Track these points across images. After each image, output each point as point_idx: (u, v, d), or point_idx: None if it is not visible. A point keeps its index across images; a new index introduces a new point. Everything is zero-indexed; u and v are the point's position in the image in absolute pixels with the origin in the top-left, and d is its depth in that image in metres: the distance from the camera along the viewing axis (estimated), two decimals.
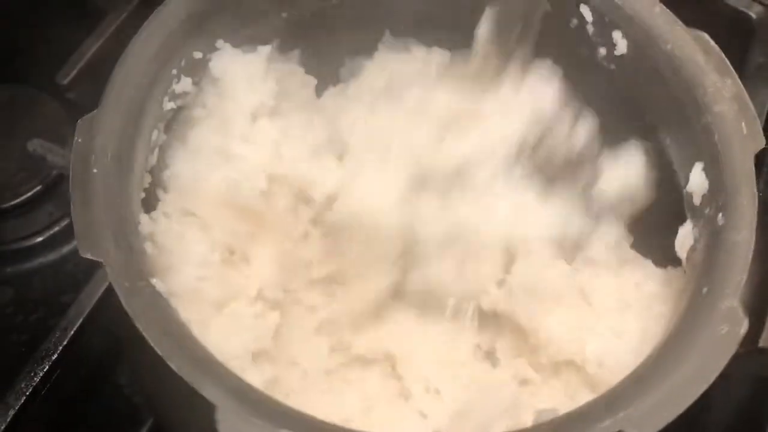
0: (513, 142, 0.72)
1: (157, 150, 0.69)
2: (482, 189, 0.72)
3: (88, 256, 0.55)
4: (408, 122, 0.73)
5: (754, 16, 0.84)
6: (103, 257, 0.55)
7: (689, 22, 0.68)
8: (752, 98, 0.64)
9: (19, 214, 0.88)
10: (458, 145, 0.72)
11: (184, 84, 0.70)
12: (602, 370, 0.67)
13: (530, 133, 0.72)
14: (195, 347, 0.53)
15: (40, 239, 0.88)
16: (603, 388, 0.64)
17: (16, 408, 0.69)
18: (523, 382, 0.70)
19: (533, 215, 0.72)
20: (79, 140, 0.60)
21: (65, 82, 0.88)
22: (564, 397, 0.69)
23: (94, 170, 0.59)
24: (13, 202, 0.87)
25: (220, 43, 0.73)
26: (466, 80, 0.74)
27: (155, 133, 0.68)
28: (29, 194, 0.88)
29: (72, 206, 0.57)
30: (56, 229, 0.89)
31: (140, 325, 0.53)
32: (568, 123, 0.73)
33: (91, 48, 0.89)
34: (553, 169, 0.73)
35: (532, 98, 0.74)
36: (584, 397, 0.66)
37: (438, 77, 0.75)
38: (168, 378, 0.52)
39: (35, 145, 0.82)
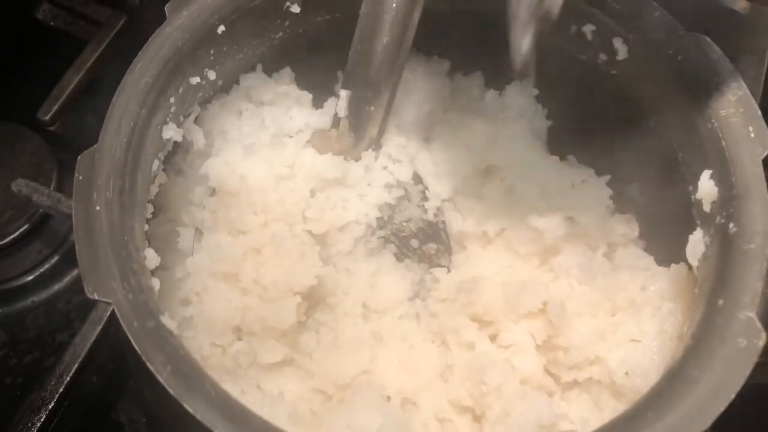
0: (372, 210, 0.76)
1: (157, 180, 0.69)
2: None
3: (95, 297, 0.55)
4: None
5: (740, 10, 0.83)
6: (110, 298, 0.54)
7: (677, 16, 0.67)
8: None
9: (7, 254, 0.86)
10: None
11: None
12: (627, 377, 0.66)
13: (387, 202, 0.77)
14: (209, 386, 0.52)
15: (30, 278, 0.87)
16: (628, 395, 0.64)
17: None
18: (551, 394, 0.69)
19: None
20: (80, 177, 0.59)
21: (47, 117, 0.87)
22: (593, 407, 0.68)
23: (97, 208, 0.58)
24: (0, 243, 0.85)
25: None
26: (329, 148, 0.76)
27: (156, 164, 0.67)
28: (16, 234, 0.85)
29: (77, 247, 0.56)
30: (46, 266, 0.87)
31: (152, 367, 0.52)
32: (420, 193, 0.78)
33: (72, 81, 0.88)
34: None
35: (387, 171, 0.78)
36: (611, 405, 0.66)
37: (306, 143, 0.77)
38: (181, 416, 0.51)
39: (20, 186, 0.79)
